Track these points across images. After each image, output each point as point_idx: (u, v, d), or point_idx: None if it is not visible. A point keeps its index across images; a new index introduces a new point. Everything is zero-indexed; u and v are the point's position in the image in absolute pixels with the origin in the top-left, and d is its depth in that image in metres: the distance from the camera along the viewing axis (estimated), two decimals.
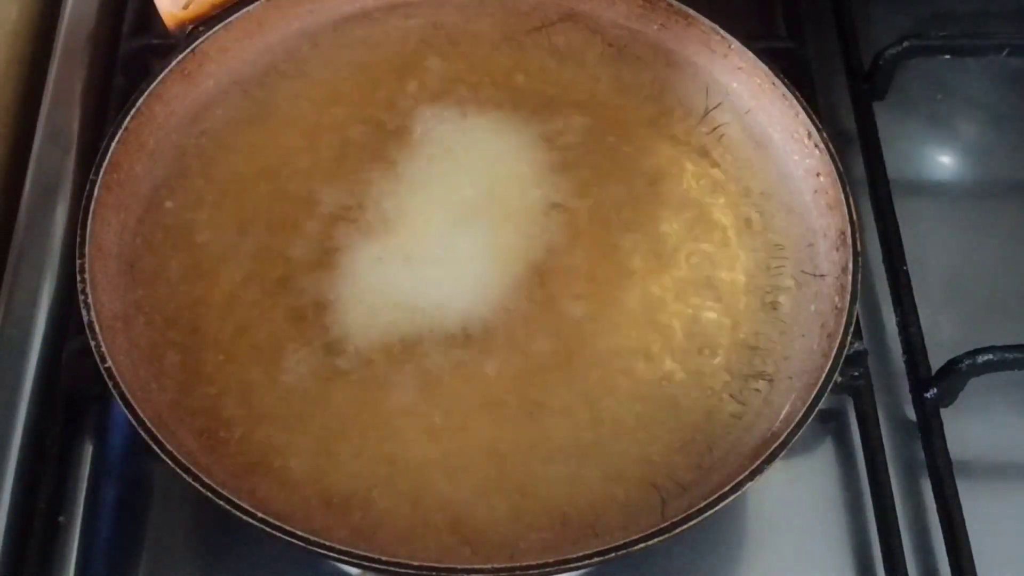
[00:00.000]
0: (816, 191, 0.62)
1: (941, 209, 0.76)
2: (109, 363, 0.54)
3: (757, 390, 0.58)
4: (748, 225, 0.63)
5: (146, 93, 0.63)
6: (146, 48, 0.76)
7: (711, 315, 0.60)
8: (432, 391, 0.58)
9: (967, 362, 0.64)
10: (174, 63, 0.64)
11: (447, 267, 0.61)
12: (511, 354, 0.59)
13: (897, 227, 0.71)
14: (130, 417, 0.53)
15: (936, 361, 0.65)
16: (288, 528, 0.51)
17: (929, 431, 0.64)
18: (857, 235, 0.60)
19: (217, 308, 0.60)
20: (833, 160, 0.62)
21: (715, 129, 0.66)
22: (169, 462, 0.52)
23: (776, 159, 0.65)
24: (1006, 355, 0.64)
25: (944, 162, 0.79)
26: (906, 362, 0.67)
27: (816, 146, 0.63)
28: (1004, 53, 0.77)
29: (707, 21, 0.66)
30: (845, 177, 0.61)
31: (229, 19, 0.66)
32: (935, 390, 0.65)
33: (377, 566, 0.51)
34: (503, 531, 0.54)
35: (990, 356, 0.64)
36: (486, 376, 0.58)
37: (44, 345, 0.65)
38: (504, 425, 0.57)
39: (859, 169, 0.74)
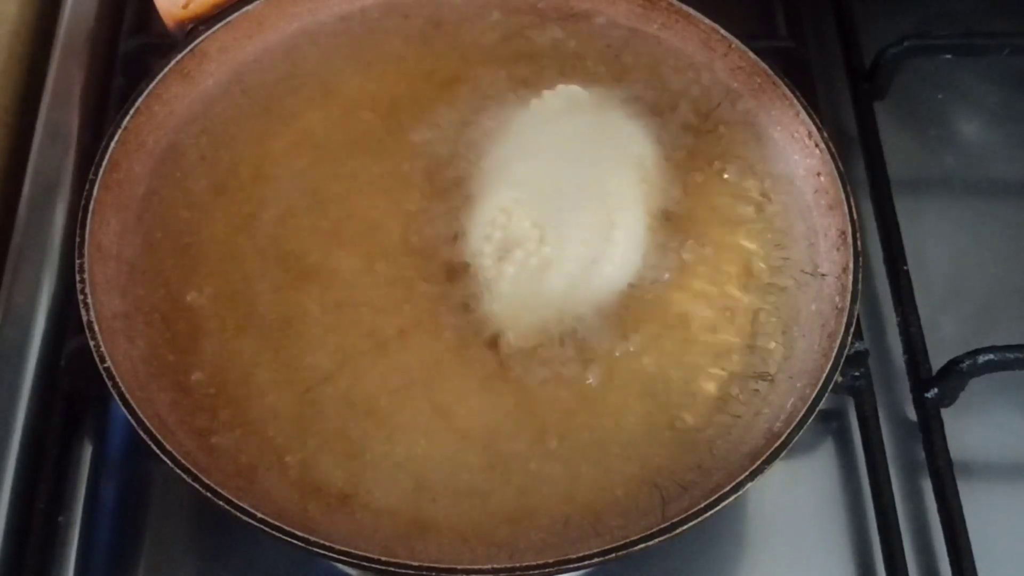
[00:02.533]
0: (816, 191, 0.62)
1: (941, 209, 0.76)
2: (108, 363, 0.54)
3: (757, 390, 0.58)
4: (748, 225, 0.63)
5: (145, 93, 0.63)
6: (146, 47, 0.76)
7: (711, 315, 0.60)
8: (428, 391, 0.58)
9: (968, 362, 0.64)
10: (173, 62, 0.64)
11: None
12: (509, 355, 0.59)
13: (897, 227, 0.71)
14: (129, 417, 0.53)
15: (937, 361, 0.65)
16: (288, 528, 0.51)
17: (929, 431, 0.65)
18: (858, 235, 0.60)
19: (217, 307, 0.60)
20: (833, 160, 0.62)
21: (715, 129, 0.66)
22: (169, 462, 0.52)
23: (776, 159, 0.64)
24: (1006, 355, 0.64)
25: (944, 162, 0.79)
26: (907, 362, 0.67)
27: (816, 146, 0.62)
28: (1004, 53, 0.77)
29: (707, 20, 0.66)
30: (845, 177, 0.61)
31: (229, 18, 0.66)
32: (936, 390, 0.65)
33: (377, 566, 0.51)
34: (503, 531, 0.54)
35: (990, 356, 0.64)
36: (484, 377, 0.58)
37: (44, 345, 0.65)
38: (504, 425, 0.57)
39: (859, 169, 0.74)
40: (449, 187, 0.63)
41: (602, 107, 0.65)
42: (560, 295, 0.59)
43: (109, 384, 0.54)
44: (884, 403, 0.66)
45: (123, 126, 0.62)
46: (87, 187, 0.60)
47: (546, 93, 0.65)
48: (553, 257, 0.59)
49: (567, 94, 0.65)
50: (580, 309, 0.59)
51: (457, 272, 0.60)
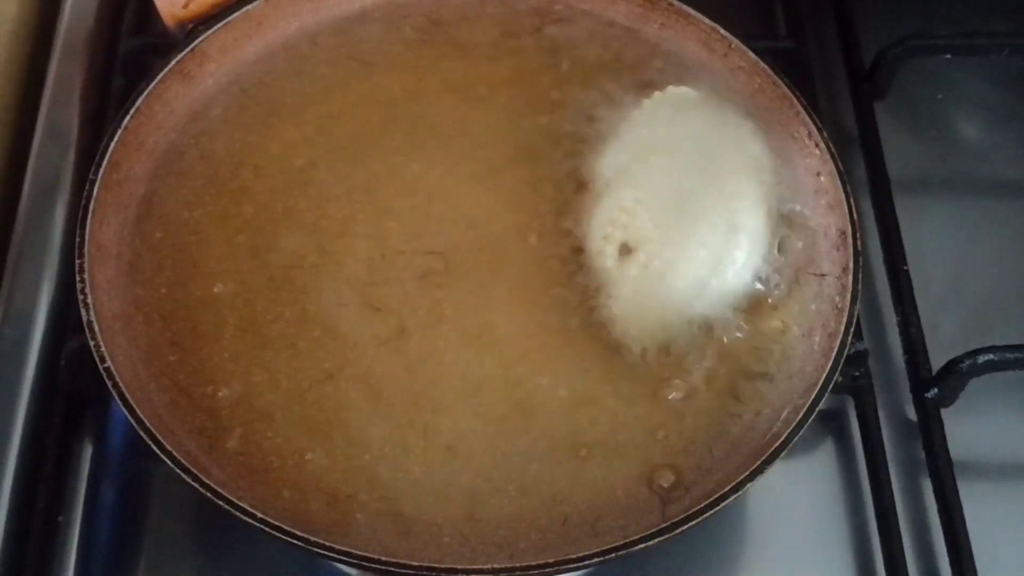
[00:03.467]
0: (816, 191, 0.62)
1: (941, 209, 0.76)
2: (108, 363, 0.54)
3: (757, 390, 0.58)
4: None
5: (145, 92, 0.63)
6: (145, 47, 0.76)
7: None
8: (426, 392, 0.58)
9: (967, 362, 0.64)
10: (173, 62, 0.64)
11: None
12: (507, 353, 0.59)
13: (897, 227, 0.71)
14: (129, 417, 0.53)
15: (936, 361, 0.65)
16: (288, 528, 0.51)
17: (929, 431, 0.64)
18: (858, 235, 0.60)
19: (217, 307, 0.60)
20: (833, 160, 0.62)
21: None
22: (169, 462, 0.52)
23: (776, 159, 0.64)
24: (1006, 355, 0.64)
25: (944, 162, 0.79)
26: (906, 362, 0.67)
27: (816, 146, 0.62)
28: (1004, 53, 0.77)
29: (707, 21, 0.66)
30: (845, 177, 0.61)
31: (229, 18, 0.66)
32: (935, 390, 0.65)
33: (377, 566, 0.51)
34: (503, 531, 0.54)
35: (990, 356, 0.64)
36: (482, 376, 0.58)
37: (44, 345, 0.65)
38: (504, 425, 0.57)
39: (859, 169, 0.74)
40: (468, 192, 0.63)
41: (714, 107, 0.64)
42: (681, 297, 0.59)
43: (109, 384, 0.54)
44: (884, 403, 0.66)
45: (123, 126, 0.62)
46: (87, 187, 0.60)
47: (656, 94, 0.64)
48: (676, 259, 0.59)
49: (678, 95, 0.64)
50: (699, 311, 0.59)
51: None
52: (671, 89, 0.65)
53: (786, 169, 0.62)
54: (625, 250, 0.60)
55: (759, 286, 0.60)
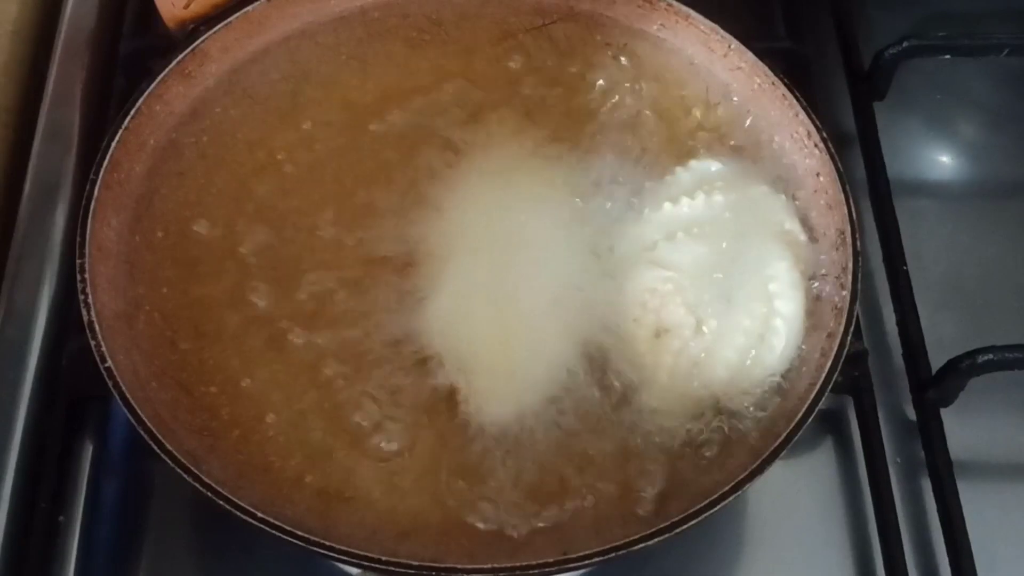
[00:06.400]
0: (816, 191, 0.62)
1: (941, 209, 0.76)
2: (109, 363, 0.54)
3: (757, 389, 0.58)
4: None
5: (146, 93, 0.63)
6: (146, 48, 0.76)
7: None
8: (427, 391, 0.58)
9: (967, 362, 0.64)
10: (174, 63, 0.64)
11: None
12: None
13: (897, 227, 0.71)
14: (130, 417, 0.53)
15: (936, 361, 0.66)
16: (288, 528, 0.51)
17: (929, 431, 0.65)
18: (857, 235, 0.59)
19: (217, 307, 0.60)
20: (833, 160, 0.62)
21: (715, 129, 0.66)
22: (169, 462, 0.52)
23: (776, 159, 0.64)
24: (1006, 355, 0.64)
25: (944, 162, 0.79)
26: (906, 362, 0.67)
27: (816, 146, 0.62)
28: (1004, 53, 0.77)
29: (706, 21, 0.66)
30: (845, 177, 0.61)
31: (230, 19, 0.66)
32: (935, 390, 0.65)
33: (377, 566, 0.51)
34: (504, 531, 0.54)
35: (990, 356, 0.64)
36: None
37: (44, 345, 0.66)
38: (505, 424, 0.57)
39: (859, 169, 0.74)
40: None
41: (742, 182, 0.63)
42: (718, 385, 0.57)
43: (110, 384, 0.54)
44: (884, 403, 0.66)
45: (124, 126, 0.62)
46: (88, 187, 0.60)
47: (679, 170, 0.63)
48: (712, 345, 0.58)
49: (703, 169, 0.63)
50: (735, 398, 0.57)
51: None
52: (694, 164, 0.63)
53: (820, 240, 0.60)
54: (657, 332, 0.58)
55: (791, 365, 0.58)
